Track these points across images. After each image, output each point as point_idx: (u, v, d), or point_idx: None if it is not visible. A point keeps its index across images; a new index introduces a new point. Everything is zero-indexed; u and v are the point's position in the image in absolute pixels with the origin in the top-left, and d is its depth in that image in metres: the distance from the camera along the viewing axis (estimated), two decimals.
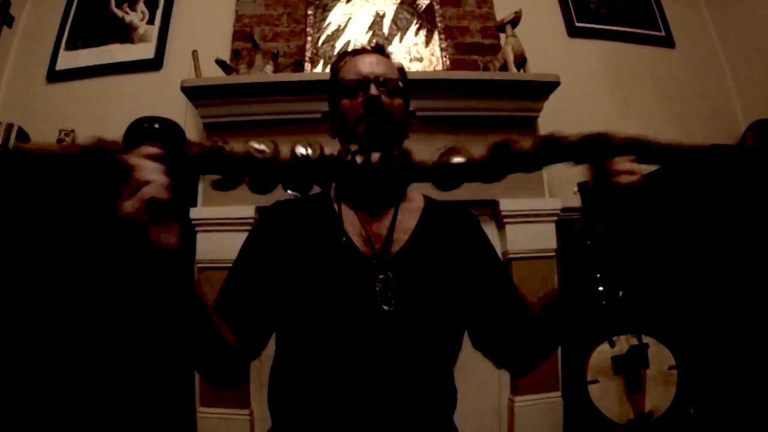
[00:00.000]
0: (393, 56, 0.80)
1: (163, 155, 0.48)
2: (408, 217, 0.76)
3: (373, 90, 0.70)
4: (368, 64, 0.74)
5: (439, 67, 1.94)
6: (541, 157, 0.53)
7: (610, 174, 0.53)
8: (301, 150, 0.53)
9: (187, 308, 0.55)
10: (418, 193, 0.83)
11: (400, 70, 0.78)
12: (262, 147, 0.52)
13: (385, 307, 0.66)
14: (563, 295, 0.67)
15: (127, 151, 0.47)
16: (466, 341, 0.78)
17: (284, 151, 0.52)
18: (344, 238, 0.71)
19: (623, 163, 0.53)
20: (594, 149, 0.53)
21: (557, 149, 0.53)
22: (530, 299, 0.75)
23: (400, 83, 0.75)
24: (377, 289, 0.67)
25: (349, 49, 0.81)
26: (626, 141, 0.53)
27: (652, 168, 1.79)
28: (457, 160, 0.54)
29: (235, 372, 0.68)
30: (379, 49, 0.79)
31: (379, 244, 0.72)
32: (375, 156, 0.54)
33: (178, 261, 0.50)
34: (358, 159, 0.54)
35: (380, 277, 0.68)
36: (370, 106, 0.70)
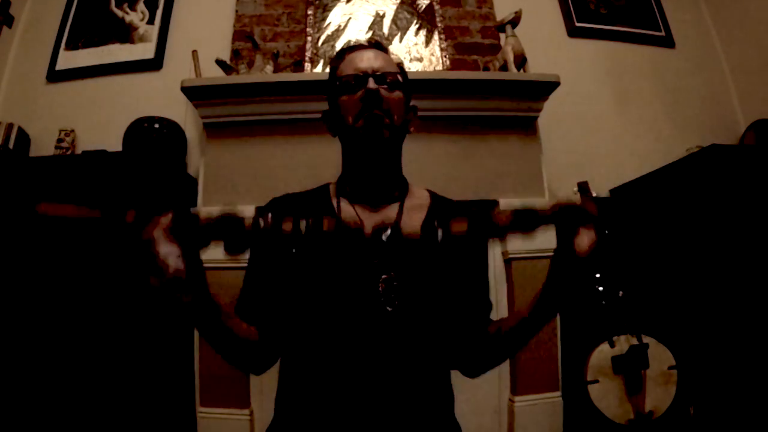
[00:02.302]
0: (391, 52, 0.79)
1: (176, 226, 0.52)
2: (413, 214, 0.75)
3: (372, 84, 0.69)
4: (366, 60, 0.73)
5: (439, 67, 1.94)
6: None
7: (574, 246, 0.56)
8: (303, 224, 0.56)
9: (206, 330, 0.59)
10: (422, 189, 0.82)
11: (399, 65, 0.77)
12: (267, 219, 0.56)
13: (389, 308, 0.66)
14: (539, 309, 0.64)
15: (140, 223, 0.51)
16: None
17: (287, 225, 0.56)
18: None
19: (584, 239, 0.56)
20: (565, 216, 0.57)
21: (535, 219, 0.57)
22: (530, 299, 0.75)
23: (398, 77, 0.74)
24: (380, 289, 0.66)
25: (347, 46, 0.80)
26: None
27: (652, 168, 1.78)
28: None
29: (264, 361, 0.72)
30: (377, 45, 0.78)
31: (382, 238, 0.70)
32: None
33: (197, 310, 0.55)
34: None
35: (383, 277, 0.67)
36: (368, 99, 0.69)
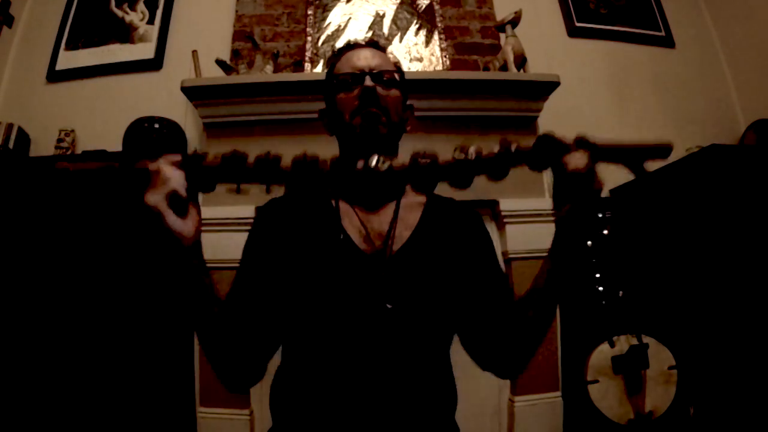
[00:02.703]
0: (389, 51, 0.79)
1: (182, 162, 0.59)
2: (410, 212, 0.75)
3: (368, 82, 0.70)
4: (363, 58, 0.74)
5: (439, 67, 1.94)
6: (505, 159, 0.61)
7: (566, 169, 0.59)
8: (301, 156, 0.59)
9: (195, 284, 0.62)
10: None
11: (396, 64, 0.78)
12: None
13: (389, 305, 0.65)
14: (545, 272, 0.67)
15: (152, 158, 0.57)
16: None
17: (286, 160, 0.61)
18: (342, 236, 0.70)
19: (575, 156, 0.59)
20: (550, 150, 0.60)
21: (516, 153, 0.60)
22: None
23: (395, 76, 0.74)
24: (378, 287, 0.66)
25: (345, 45, 0.80)
26: (576, 139, 0.61)
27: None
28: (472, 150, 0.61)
29: (247, 368, 0.69)
30: (374, 44, 0.78)
31: (380, 241, 0.70)
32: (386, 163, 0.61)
33: (192, 252, 0.61)
34: (377, 164, 0.62)
35: (381, 273, 0.67)
36: (365, 97, 0.69)
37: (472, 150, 0.61)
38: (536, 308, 0.67)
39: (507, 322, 0.71)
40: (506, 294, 0.75)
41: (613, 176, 1.91)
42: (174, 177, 0.57)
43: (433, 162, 0.61)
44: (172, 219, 0.57)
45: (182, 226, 0.59)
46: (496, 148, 0.61)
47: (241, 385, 0.71)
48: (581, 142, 0.60)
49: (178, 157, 0.59)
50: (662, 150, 0.61)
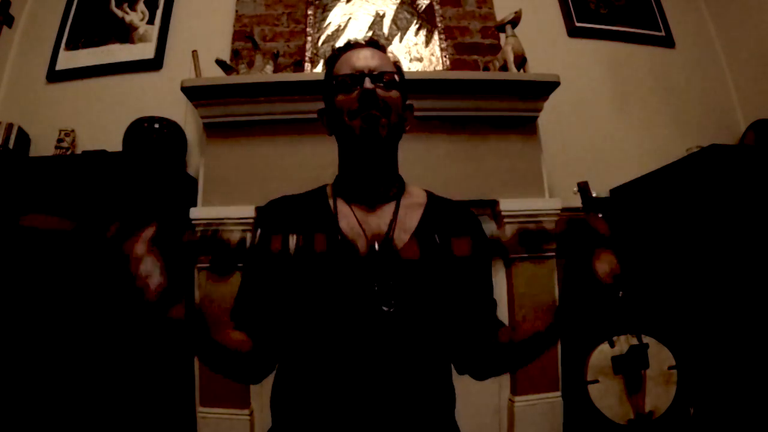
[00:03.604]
0: (389, 51, 0.79)
1: (158, 242, 0.51)
2: (409, 213, 0.75)
3: (368, 84, 0.69)
4: (362, 58, 0.73)
5: (439, 67, 1.94)
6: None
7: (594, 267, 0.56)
8: (291, 243, 0.56)
9: (195, 348, 0.60)
10: (419, 188, 0.82)
11: (396, 64, 0.77)
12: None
13: (385, 308, 0.65)
14: (554, 330, 0.64)
15: (122, 238, 0.50)
16: None
17: (275, 243, 0.56)
18: (340, 237, 0.70)
19: (603, 256, 0.56)
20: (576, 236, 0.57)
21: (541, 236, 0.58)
22: (530, 300, 0.75)
23: (395, 76, 0.73)
24: (376, 289, 0.66)
25: (344, 44, 0.79)
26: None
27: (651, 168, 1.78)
28: None
29: (259, 370, 0.71)
30: (374, 43, 0.77)
31: (378, 242, 0.70)
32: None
33: (184, 327, 0.55)
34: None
35: (379, 277, 0.67)
36: (364, 99, 0.69)
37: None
38: (529, 348, 0.68)
39: (483, 335, 0.72)
40: (489, 305, 0.77)
41: (612, 176, 1.92)
42: (153, 271, 0.50)
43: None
44: (158, 311, 0.52)
45: (170, 311, 0.54)
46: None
47: (258, 380, 0.73)
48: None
49: (149, 236, 0.51)
50: None
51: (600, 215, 0.58)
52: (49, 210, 1.56)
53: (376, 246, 0.70)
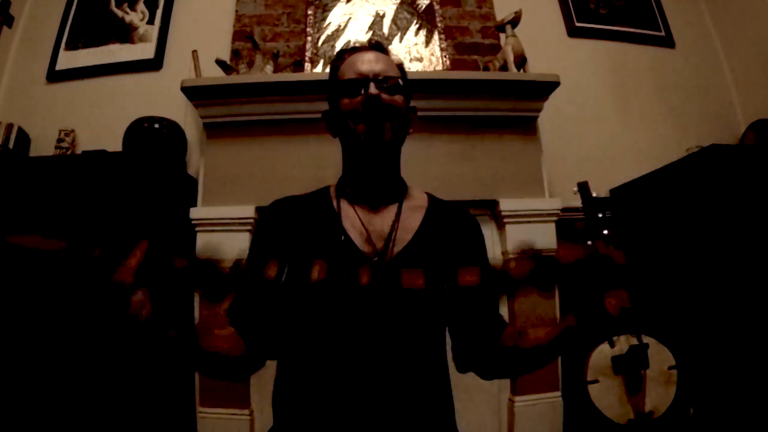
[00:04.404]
0: (392, 52, 0.79)
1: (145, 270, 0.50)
2: (411, 215, 0.75)
3: (372, 89, 0.70)
4: (367, 62, 0.73)
5: (439, 67, 1.94)
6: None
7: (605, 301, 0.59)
8: (286, 273, 0.55)
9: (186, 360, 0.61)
10: (420, 191, 0.82)
11: (400, 66, 0.78)
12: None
13: (388, 308, 0.66)
14: (558, 344, 0.65)
15: (110, 263, 0.50)
16: None
17: (270, 270, 0.56)
18: (343, 237, 0.71)
19: (618, 296, 0.59)
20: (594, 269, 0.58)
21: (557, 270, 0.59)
22: (531, 321, 0.75)
23: (399, 80, 0.74)
24: (379, 289, 0.66)
25: (348, 47, 0.80)
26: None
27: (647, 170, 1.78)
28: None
29: (246, 369, 0.72)
30: (378, 46, 0.78)
31: (381, 242, 0.71)
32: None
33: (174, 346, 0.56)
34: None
35: (381, 277, 0.67)
36: (369, 104, 0.69)
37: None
38: (533, 359, 0.68)
39: (484, 337, 0.72)
40: (490, 306, 0.76)
41: (612, 176, 1.92)
42: (139, 303, 0.50)
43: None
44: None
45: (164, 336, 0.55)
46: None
47: (243, 378, 0.75)
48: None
49: (136, 260, 0.51)
50: None
51: (606, 231, 0.58)
52: (44, 220, 1.57)
53: (379, 245, 0.71)
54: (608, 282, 0.57)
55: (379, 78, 0.71)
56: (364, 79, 0.71)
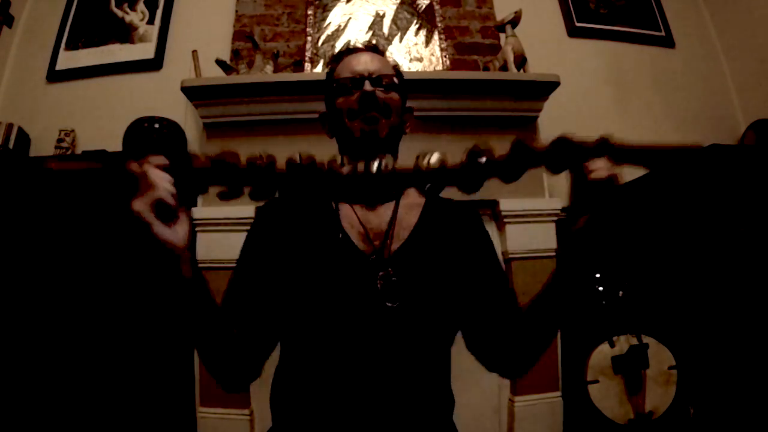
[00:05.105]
0: (389, 55, 0.80)
1: (169, 166, 0.54)
2: (409, 212, 0.75)
3: (368, 86, 0.71)
4: (362, 62, 0.74)
5: (439, 67, 1.94)
6: (518, 162, 0.58)
7: (586, 174, 0.57)
8: (296, 156, 0.56)
9: (189, 292, 0.59)
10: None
11: (395, 67, 0.79)
12: (260, 154, 0.57)
13: (389, 304, 0.65)
14: (555, 281, 0.65)
15: (136, 160, 0.53)
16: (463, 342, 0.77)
17: (281, 162, 0.57)
18: (341, 235, 0.71)
19: (597, 163, 0.56)
20: (569, 153, 0.57)
21: (532, 156, 0.57)
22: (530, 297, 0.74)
23: (394, 79, 0.75)
24: (379, 286, 0.66)
25: (344, 49, 0.81)
26: (598, 142, 0.57)
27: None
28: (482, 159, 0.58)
29: (244, 368, 0.70)
30: (374, 48, 0.79)
31: (379, 240, 0.71)
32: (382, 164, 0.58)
33: (183, 259, 0.56)
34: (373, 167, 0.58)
35: (380, 273, 0.67)
36: (364, 101, 0.70)
37: (483, 158, 0.57)
38: (545, 315, 0.67)
39: (510, 325, 0.71)
40: (508, 294, 0.75)
41: None
42: (160, 183, 0.52)
43: (441, 167, 0.58)
44: (159, 228, 0.53)
45: (170, 234, 0.54)
46: (506, 149, 0.58)
47: (238, 385, 0.71)
48: (603, 145, 0.56)
49: (163, 160, 0.54)
50: (690, 151, 0.58)
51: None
52: (50, 210, 1.56)
53: (376, 243, 0.70)
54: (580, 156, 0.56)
55: (374, 77, 0.72)
56: (359, 78, 0.72)
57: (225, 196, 0.57)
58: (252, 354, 0.70)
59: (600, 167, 0.55)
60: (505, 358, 0.74)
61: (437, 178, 0.58)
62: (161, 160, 0.54)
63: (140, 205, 0.52)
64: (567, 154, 0.56)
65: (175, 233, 0.55)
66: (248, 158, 0.57)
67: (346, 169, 0.58)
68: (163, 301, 0.57)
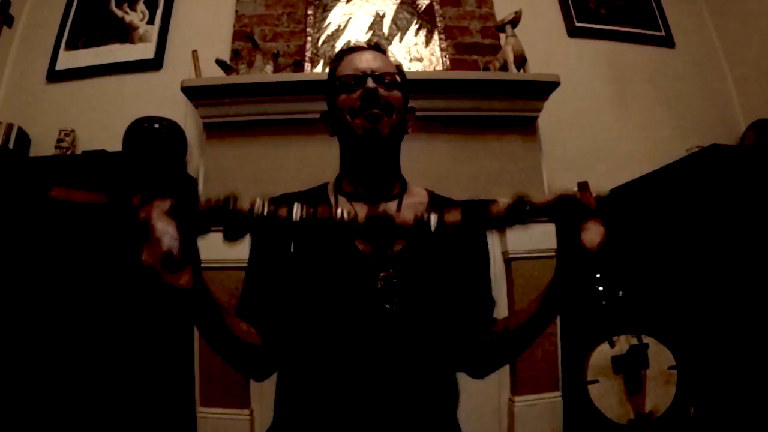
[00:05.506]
0: (390, 54, 0.80)
1: (175, 208, 0.52)
2: (411, 213, 0.76)
3: (370, 83, 0.70)
4: (365, 60, 0.74)
5: (439, 67, 1.94)
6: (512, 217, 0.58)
7: (581, 234, 0.55)
8: (296, 211, 0.56)
9: (205, 326, 0.58)
10: (420, 188, 0.83)
11: (398, 66, 0.79)
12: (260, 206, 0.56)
13: (388, 306, 0.66)
14: (543, 310, 0.64)
15: (143, 205, 0.51)
16: None
17: (282, 211, 0.55)
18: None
19: (593, 229, 0.55)
20: (565, 210, 0.56)
21: (531, 210, 0.56)
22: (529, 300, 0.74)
23: (397, 77, 0.75)
24: (379, 287, 0.66)
25: (346, 48, 0.81)
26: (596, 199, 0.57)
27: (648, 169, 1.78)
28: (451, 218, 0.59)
29: (267, 366, 0.71)
30: (376, 47, 0.79)
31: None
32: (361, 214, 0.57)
33: (191, 299, 0.54)
34: (346, 217, 0.56)
35: (381, 274, 0.67)
36: (366, 98, 0.70)
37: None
38: (523, 332, 0.67)
39: (478, 333, 0.72)
40: (485, 302, 0.77)
41: (612, 176, 1.92)
42: (166, 233, 0.50)
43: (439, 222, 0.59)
44: (167, 277, 0.51)
45: (178, 279, 0.53)
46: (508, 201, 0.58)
47: (266, 376, 0.73)
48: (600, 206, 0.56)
49: (168, 204, 0.52)
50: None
51: (594, 196, 0.58)
52: (50, 210, 1.56)
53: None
54: (581, 219, 0.55)
55: (377, 74, 0.72)
56: (362, 75, 0.72)
57: (229, 237, 0.56)
58: (274, 349, 0.70)
59: (594, 234, 0.55)
60: (466, 360, 0.75)
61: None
62: (165, 204, 0.52)
63: (148, 258, 0.50)
64: (569, 214, 0.56)
65: (183, 277, 0.53)
66: (250, 203, 0.56)
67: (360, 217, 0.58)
68: (163, 302, 0.55)
